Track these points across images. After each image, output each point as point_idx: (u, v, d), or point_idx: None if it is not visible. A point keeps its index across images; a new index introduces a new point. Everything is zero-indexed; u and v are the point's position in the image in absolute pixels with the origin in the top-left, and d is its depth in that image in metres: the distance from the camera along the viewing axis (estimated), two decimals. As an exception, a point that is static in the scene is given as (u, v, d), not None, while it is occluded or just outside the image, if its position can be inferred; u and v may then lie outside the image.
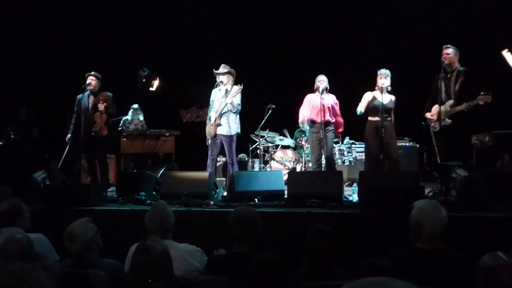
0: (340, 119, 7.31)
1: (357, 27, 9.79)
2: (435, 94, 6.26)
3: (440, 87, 6.17)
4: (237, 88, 6.95)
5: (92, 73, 7.27)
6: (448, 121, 6.03)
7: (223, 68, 7.13)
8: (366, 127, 6.79)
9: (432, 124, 6.34)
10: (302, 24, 10.11)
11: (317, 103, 7.00)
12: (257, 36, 10.16)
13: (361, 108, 6.73)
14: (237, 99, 6.98)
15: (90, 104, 7.18)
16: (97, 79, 7.26)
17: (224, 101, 7.00)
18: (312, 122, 7.15)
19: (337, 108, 7.22)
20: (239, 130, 7.15)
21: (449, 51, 6.13)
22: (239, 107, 7.03)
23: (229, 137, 7.04)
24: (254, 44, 10.16)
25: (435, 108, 6.14)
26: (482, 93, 5.75)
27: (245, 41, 10.19)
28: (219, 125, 7.01)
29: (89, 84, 7.17)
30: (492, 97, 5.73)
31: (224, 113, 7.01)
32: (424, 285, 2.51)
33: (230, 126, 7.02)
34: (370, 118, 6.73)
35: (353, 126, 7.93)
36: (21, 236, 2.97)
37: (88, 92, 7.21)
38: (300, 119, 7.35)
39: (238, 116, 7.11)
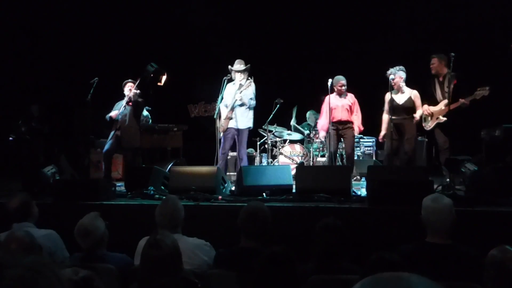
0: (356, 117, 7.32)
1: (368, 24, 9.73)
2: (430, 96, 6.71)
3: (435, 89, 6.65)
4: (247, 82, 6.97)
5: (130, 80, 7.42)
6: (443, 119, 6.48)
7: (239, 65, 7.13)
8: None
9: (424, 123, 6.73)
10: (311, 19, 10.06)
11: (335, 104, 7.14)
12: (265, 30, 10.13)
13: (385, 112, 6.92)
14: (249, 93, 7.00)
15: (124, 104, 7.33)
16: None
17: (237, 95, 7.03)
18: (332, 122, 7.22)
19: (354, 107, 7.27)
20: (251, 124, 7.17)
21: (433, 61, 6.64)
22: (252, 102, 7.03)
23: (241, 131, 7.07)
24: (263, 38, 10.13)
25: (429, 107, 6.65)
26: (478, 88, 6.15)
27: (253, 36, 10.16)
28: (231, 118, 7.03)
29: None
30: (490, 91, 6.13)
31: (235, 107, 7.03)
32: (433, 279, 2.51)
33: (242, 120, 7.05)
34: (391, 117, 6.76)
35: (361, 121, 7.90)
36: (23, 233, 2.94)
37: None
38: (318, 127, 7.62)
39: (251, 111, 7.10)
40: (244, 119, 7.06)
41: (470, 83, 6.53)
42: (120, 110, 7.32)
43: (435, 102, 6.62)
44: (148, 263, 2.60)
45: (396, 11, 9.47)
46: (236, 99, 6.99)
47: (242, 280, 2.81)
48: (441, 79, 6.61)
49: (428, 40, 9.10)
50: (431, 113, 6.63)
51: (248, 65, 7.16)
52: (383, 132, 6.95)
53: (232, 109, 7.03)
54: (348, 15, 9.87)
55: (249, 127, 7.19)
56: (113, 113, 7.33)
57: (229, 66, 7.19)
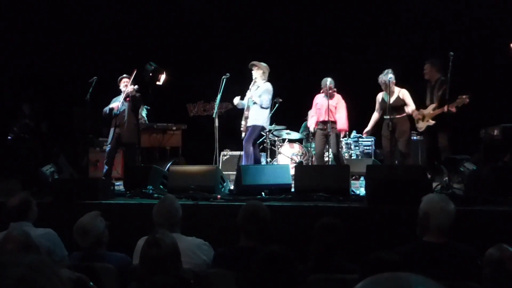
0: (341, 117, 7.35)
1: (365, 25, 9.74)
2: (421, 99, 6.99)
3: (426, 93, 6.93)
4: (261, 83, 7.11)
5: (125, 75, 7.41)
6: (432, 122, 6.74)
7: (254, 67, 7.21)
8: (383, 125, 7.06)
9: (417, 125, 7.00)
10: (310, 19, 10.07)
11: (322, 104, 7.28)
12: (264, 29, 10.13)
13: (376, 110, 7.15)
14: (260, 92, 7.05)
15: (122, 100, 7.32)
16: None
17: (249, 93, 7.17)
18: (318, 122, 7.36)
19: (340, 106, 7.34)
20: (264, 124, 7.17)
21: (426, 67, 6.90)
22: (262, 101, 7.03)
23: (252, 127, 7.06)
24: (261, 37, 10.13)
25: (421, 110, 6.91)
26: (459, 96, 6.36)
27: (252, 35, 10.16)
28: (247, 118, 7.14)
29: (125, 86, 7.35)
30: (469, 99, 6.36)
31: (250, 105, 7.14)
32: (432, 278, 2.51)
33: (255, 118, 7.07)
34: (384, 117, 6.97)
35: (360, 120, 7.92)
36: (19, 232, 2.93)
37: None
38: (308, 123, 7.78)
39: (264, 110, 7.09)
40: (257, 117, 7.07)
41: (468, 84, 6.67)
42: (119, 107, 7.30)
43: (425, 106, 6.89)
44: (147, 262, 2.60)
45: (393, 12, 9.48)
46: (249, 98, 7.11)
47: (241, 279, 2.81)
48: (433, 83, 6.85)
49: (427, 39, 9.11)
50: (423, 115, 6.85)
51: (260, 71, 7.18)
52: (367, 129, 7.30)
53: (248, 107, 7.15)
54: (346, 15, 9.87)
55: (261, 126, 7.14)
56: (114, 105, 7.30)
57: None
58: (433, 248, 2.99)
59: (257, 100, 7.04)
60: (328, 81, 7.25)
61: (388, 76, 6.75)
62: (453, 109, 6.35)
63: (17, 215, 3.77)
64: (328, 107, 7.18)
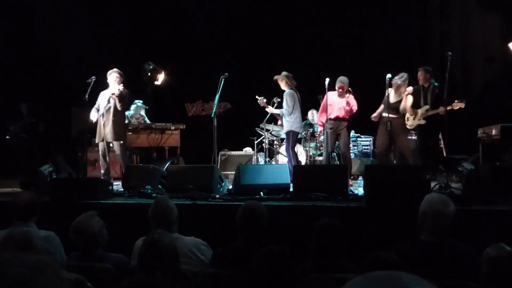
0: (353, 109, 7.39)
1: (366, 23, 9.75)
2: (416, 99, 7.20)
3: (420, 95, 7.18)
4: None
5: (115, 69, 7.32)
6: (423, 121, 7.08)
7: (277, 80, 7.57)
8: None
9: (407, 122, 7.22)
10: (309, 18, 10.07)
11: (334, 101, 7.31)
12: (263, 30, 10.13)
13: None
14: (284, 103, 7.43)
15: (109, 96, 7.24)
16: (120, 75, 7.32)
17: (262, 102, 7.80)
18: (328, 119, 7.38)
19: (351, 103, 7.36)
20: (294, 129, 7.46)
21: (419, 74, 7.22)
22: (283, 112, 7.49)
23: (286, 134, 7.57)
24: (260, 38, 10.13)
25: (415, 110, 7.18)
26: (456, 100, 6.68)
27: (251, 35, 10.16)
28: (281, 125, 7.81)
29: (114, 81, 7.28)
30: (466, 104, 6.66)
31: (280, 115, 7.76)
32: (429, 277, 2.51)
33: (285, 125, 7.60)
34: (382, 114, 7.08)
35: (359, 120, 7.93)
36: (20, 232, 2.91)
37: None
38: (317, 121, 7.97)
39: (289, 116, 7.43)
40: (286, 124, 7.53)
41: (467, 83, 6.68)
42: (104, 105, 7.22)
43: (418, 106, 7.14)
44: (145, 263, 2.60)
45: (393, 11, 9.49)
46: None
47: (240, 279, 2.81)
48: (426, 88, 7.17)
49: (425, 39, 9.12)
50: (416, 113, 7.11)
51: (283, 81, 7.47)
52: (374, 114, 7.27)
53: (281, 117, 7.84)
54: (346, 14, 9.88)
55: (291, 131, 7.45)
56: (93, 117, 7.27)
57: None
58: (431, 246, 2.99)
59: (279, 112, 7.63)
60: (339, 80, 7.28)
61: (396, 79, 6.88)
62: (444, 111, 6.49)
63: (24, 215, 3.73)
64: (338, 104, 7.27)
